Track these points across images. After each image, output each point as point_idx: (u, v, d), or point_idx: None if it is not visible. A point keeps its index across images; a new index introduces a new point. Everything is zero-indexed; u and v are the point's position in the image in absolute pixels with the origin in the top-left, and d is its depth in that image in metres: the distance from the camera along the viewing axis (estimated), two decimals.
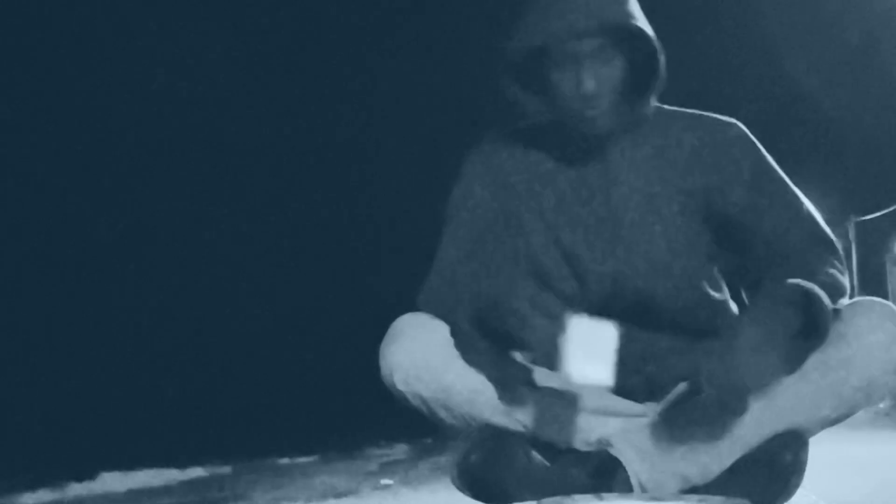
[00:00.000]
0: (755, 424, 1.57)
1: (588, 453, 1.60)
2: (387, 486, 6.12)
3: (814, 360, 1.58)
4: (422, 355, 1.67)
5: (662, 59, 1.67)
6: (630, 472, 1.57)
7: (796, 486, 1.57)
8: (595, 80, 1.62)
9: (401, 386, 1.68)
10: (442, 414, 1.68)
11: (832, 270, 1.61)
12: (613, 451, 1.58)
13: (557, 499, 1.53)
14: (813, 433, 1.64)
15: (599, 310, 1.61)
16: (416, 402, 1.69)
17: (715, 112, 1.81)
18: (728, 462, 1.56)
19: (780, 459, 1.55)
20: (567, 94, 1.65)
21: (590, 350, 1.45)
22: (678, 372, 1.71)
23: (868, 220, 17.61)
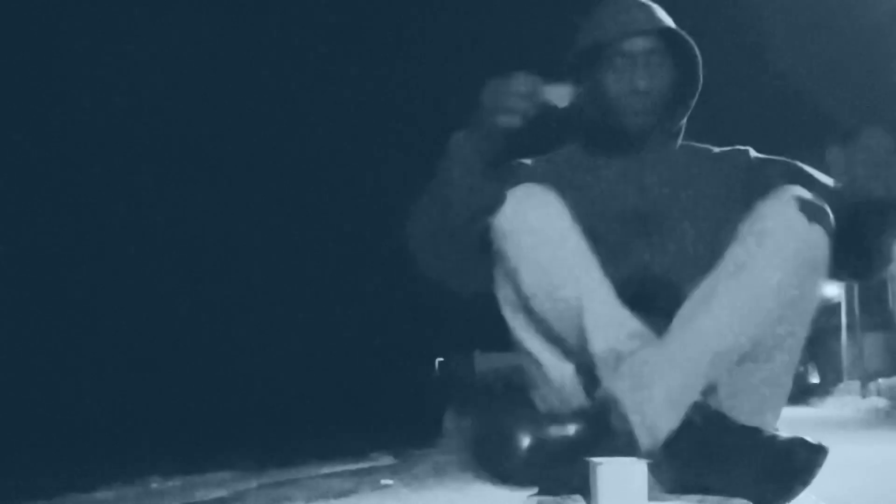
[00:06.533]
0: (687, 338, 1.56)
1: (596, 415, 1.58)
2: (387, 486, 6.12)
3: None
4: (532, 219, 1.64)
5: (700, 74, 1.84)
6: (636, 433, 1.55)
7: (802, 486, 1.56)
8: (647, 79, 1.80)
9: (497, 235, 1.64)
10: (503, 281, 1.67)
11: None
12: (621, 409, 1.56)
13: (557, 498, 1.54)
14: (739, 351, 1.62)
15: (627, 299, 1.64)
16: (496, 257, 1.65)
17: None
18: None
19: (792, 461, 1.55)
20: (620, 91, 1.81)
21: (622, 492, 1.42)
22: None
23: None
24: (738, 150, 1.90)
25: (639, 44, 1.80)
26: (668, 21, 1.83)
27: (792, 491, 1.54)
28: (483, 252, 1.69)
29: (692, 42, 1.82)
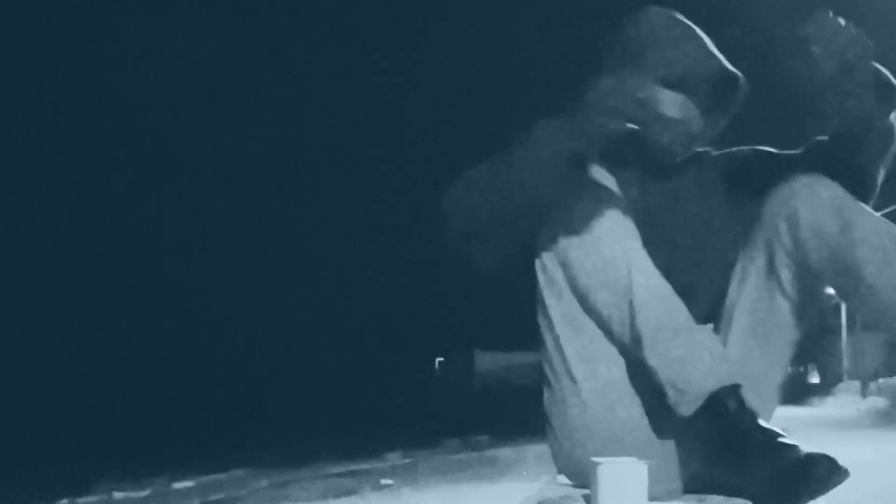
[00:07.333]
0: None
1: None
2: (387, 486, 6.14)
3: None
4: (587, 203, 1.65)
5: (738, 106, 1.84)
6: None
7: (809, 498, 1.56)
8: (695, 117, 1.79)
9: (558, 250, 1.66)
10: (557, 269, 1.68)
11: None
12: None
13: (557, 498, 1.55)
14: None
15: None
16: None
17: None
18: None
19: (811, 473, 1.55)
20: (671, 120, 1.77)
21: (622, 492, 1.44)
22: None
23: None
24: (699, 152, 1.91)
25: (692, 82, 1.77)
26: (721, 57, 1.80)
27: (798, 500, 1.54)
28: (527, 239, 1.70)
29: (744, 81, 1.81)
